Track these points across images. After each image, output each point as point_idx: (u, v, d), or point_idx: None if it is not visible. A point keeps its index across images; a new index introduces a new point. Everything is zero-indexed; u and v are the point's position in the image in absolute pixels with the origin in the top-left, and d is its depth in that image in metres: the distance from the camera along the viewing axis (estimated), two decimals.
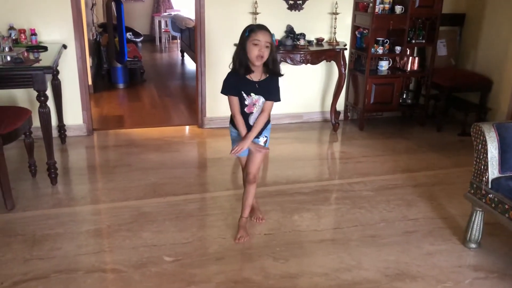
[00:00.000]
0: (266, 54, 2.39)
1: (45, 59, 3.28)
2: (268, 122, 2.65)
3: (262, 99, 2.53)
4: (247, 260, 2.52)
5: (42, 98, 3.04)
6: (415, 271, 2.45)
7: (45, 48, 3.56)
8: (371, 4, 4.37)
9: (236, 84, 2.50)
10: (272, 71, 2.50)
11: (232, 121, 2.64)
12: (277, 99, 2.59)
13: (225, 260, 2.51)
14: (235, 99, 2.53)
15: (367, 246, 2.67)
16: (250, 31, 2.40)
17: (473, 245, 2.64)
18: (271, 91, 2.55)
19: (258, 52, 2.37)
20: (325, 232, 2.83)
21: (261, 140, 2.66)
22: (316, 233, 2.82)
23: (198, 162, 4.08)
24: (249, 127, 2.58)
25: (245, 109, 2.55)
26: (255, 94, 2.51)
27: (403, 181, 3.56)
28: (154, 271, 2.39)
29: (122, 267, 2.42)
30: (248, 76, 2.49)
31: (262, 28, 2.42)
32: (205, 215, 3.02)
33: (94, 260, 2.48)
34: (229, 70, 2.53)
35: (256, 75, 2.50)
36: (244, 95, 2.51)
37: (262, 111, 2.55)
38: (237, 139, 2.63)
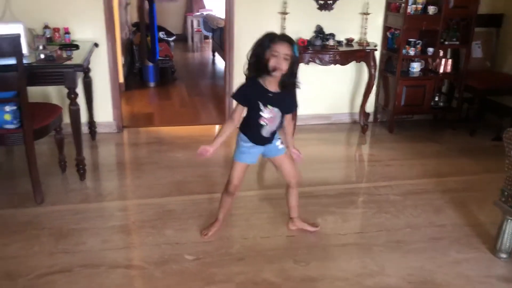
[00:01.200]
0: (284, 66, 2.26)
1: (77, 57, 3.35)
2: (280, 123, 2.52)
3: (278, 112, 2.41)
4: (268, 262, 2.51)
5: (72, 95, 3.11)
6: (441, 279, 2.38)
7: (77, 47, 3.64)
8: (403, 5, 4.27)
9: (251, 95, 2.38)
10: (286, 84, 2.35)
11: (242, 128, 2.51)
12: (294, 109, 2.56)
13: (246, 260, 2.51)
14: (241, 109, 2.44)
15: (392, 252, 2.61)
16: (271, 40, 2.27)
17: (503, 255, 2.54)
18: (288, 104, 2.45)
19: (275, 64, 2.25)
20: (348, 236, 2.79)
21: (278, 143, 2.57)
22: (340, 236, 2.78)
23: (224, 161, 4.08)
24: (261, 139, 2.47)
25: (260, 120, 2.39)
26: (272, 105, 2.37)
27: (431, 186, 3.47)
28: (175, 269, 2.41)
29: (144, 264, 2.45)
30: (264, 85, 2.36)
31: (283, 39, 2.29)
32: (228, 215, 3.01)
33: (117, 255, 2.52)
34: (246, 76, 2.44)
35: (272, 85, 2.36)
36: (261, 106, 2.37)
37: (288, 123, 2.54)
38: (247, 150, 2.52)
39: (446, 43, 4.47)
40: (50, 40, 3.76)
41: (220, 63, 8.12)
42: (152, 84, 6.36)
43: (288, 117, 2.53)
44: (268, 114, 2.38)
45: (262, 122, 2.40)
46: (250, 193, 3.31)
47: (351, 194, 3.37)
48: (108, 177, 3.54)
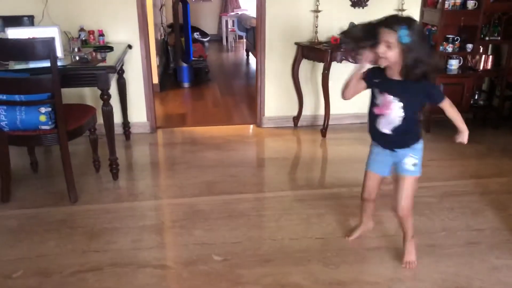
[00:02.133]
0: (389, 54, 1.98)
1: (110, 59, 3.42)
2: (416, 139, 2.25)
3: (398, 103, 2.09)
4: (296, 264, 2.47)
5: (105, 96, 3.17)
6: (477, 286, 2.28)
7: (111, 48, 3.71)
8: (440, 0, 4.13)
9: (371, 74, 2.15)
10: (406, 74, 2.03)
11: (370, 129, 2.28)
12: (440, 99, 2.15)
13: (274, 262, 2.48)
14: (357, 82, 2.20)
15: (425, 256, 2.52)
16: (379, 27, 2.00)
17: None
18: (415, 94, 2.09)
19: (379, 51, 2.00)
20: (380, 239, 2.71)
21: (408, 163, 2.23)
22: (371, 239, 2.70)
23: (254, 161, 4.07)
24: (380, 136, 2.22)
25: (375, 109, 2.17)
26: (390, 94, 2.10)
27: (470, 188, 3.33)
28: (203, 269, 2.41)
29: (172, 264, 2.46)
30: (385, 70, 2.10)
31: (385, 24, 2.00)
32: (257, 215, 2.99)
33: (146, 255, 2.54)
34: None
35: (395, 74, 2.08)
36: (377, 92, 2.14)
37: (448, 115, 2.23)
38: (373, 156, 2.36)
39: (487, 38, 4.29)
40: (85, 43, 3.86)
41: (253, 63, 8.11)
42: (186, 85, 6.42)
43: (445, 107, 2.19)
44: (383, 103, 2.13)
45: (376, 111, 2.17)
46: (281, 194, 3.28)
47: (385, 196, 3.23)
48: (140, 177, 3.59)
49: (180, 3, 6.35)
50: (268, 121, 4.64)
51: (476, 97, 4.54)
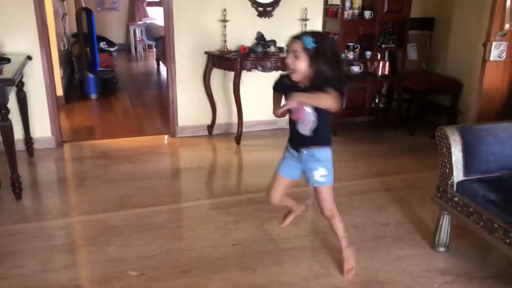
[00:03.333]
0: (296, 64, 2.07)
1: (7, 71, 3.20)
2: (326, 142, 2.30)
3: (308, 108, 2.16)
4: (215, 272, 2.47)
5: (4, 111, 2.96)
6: (384, 277, 2.43)
7: (8, 60, 3.47)
8: (340, 10, 4.38)
9: (281, 86, 2.25)
10: (314, 81, 2.09)
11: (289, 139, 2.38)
12: (328, 86, 2.06)
13: (192, 272, 2.46)
14: (276, 95, 2.30)
15: (337, 253, 2.63)
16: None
17: (441, 249, 2.64)
18: (320, 86, 2.07)
19: (287, 61, 2.12)
20: (295, 240, 2.80)
21: (316, 175, 2.31)
22: (287, 241, 2.79)
23: (169, 172, 4.01)
24: (295, 137, 2.31)
25: (292, 115, 2.25)
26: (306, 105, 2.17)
27: (375, 186, 3.56)
28: (119, 286, 2.33)
29: (86, 284, 2.36)
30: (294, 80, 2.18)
31: (294, 35, 2.13)
32: (174, 227, 2.96)
33: (57, 277, 2.41)
34: None
35: (304, 81, 2.15)
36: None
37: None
38: (288, 157, 2.40)
39: (383, 46, 4.62)
40: None
41: (164, 72, 8.01)
42: (93, 96, 6.18)
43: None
44: (295, 108, 2.18)
45: (293, 117, 2.24)
46: (197, 203, 3.27)
47: (297, 197, 3.35)
48: (47, 195, 3.39)
49: (84, 11, 6.11)
50: (182, 131, 4.61)
51: (376, 101, 4.86)
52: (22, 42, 3.90)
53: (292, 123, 2.27)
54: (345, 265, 2.44)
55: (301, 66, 2.07)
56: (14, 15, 3.84)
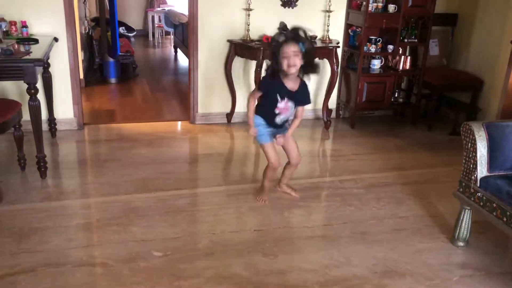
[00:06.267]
0: (297, 61, 2.65)
1: (36, 51, 3.25)
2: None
3: (292, 105, 2.83)
4: (237, 256, 2.52)
5: (32, 91, 3.01)
6: (404, 268, 2.46)
7: (36, 41, 3.53)
8: (364, 3, 4.37)
9: (271, 87, 2.79)
10: (308, 71, 2.76)
11: (258, 110, 2.89)
12: (308, 102, 2.91)
13: (214, 255, 2.51)
14: (259, 94, 2.88)
15: (357, 243, 2.68)
16: (279, 47, 2.66)
17: (461, 243, 2.66)
18: (303, 99, 2.87)
19: (287, 63, 2.64)
20: (315, 229, 2.84)
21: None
22: (306, 229, 2.82)
23: (189, 157, 4.07)
24: (275, 126, 2.90)
25: (276, 110, 2.82)
26: (289, 99, 2.80)
27: (393, 179, 3.57)
28: (143, 266, 2.38)
29: (111, 262, 2.41)
30: (284, 82, 2.76)
31: (288, 40, 2.66)
32: (195, 211, 3.01)
33: (82, 254, 2.47)
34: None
35: (290, 83, 2.78)
36: (279, 97, 2.78)
37: (296, 116, 2.91)
38: (265, 131, 2.90)
39: (406, 40, 4.61)
40: (6, 34, 3.63)
41: (182, 59, 8.05)
42: (113, 80, 6.24)
43: (300, 110, 2.90)
44: (284, 106, 2.82)
45: (276, 111, 2.83)
46: (217, 189, 3.31)
47: (316, 188, 3.43)
48: (70, 175, 3.45)
49: None
50: (201, 118, 4.65)
51: (396, 95, 4.86)
52: (49, 23, 3.95)
53: (272, 113, 2.85)
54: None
55: (299, 62, 2.67)
56: None
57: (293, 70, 2.68)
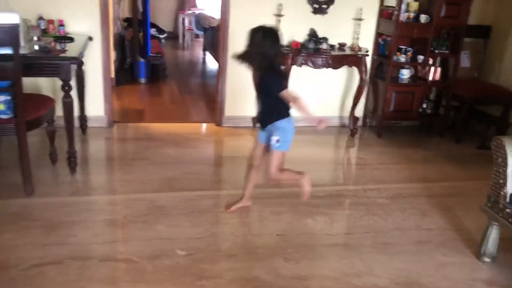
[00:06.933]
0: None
1: (71, 50, 3.34)
2: (278, 119, 2.72)
3: (258, 92, 2.78)
4: (259, 259, 2.54)
5: (67, 88, 3.10)
6: (426, 281, 2.44)
7: (71, 39, 3.63)
8: (395, 12, 4.35)
9: None
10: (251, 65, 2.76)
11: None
12: (275, 90, 2.64)
13: (237, 257, 2.54)
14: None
15: (379, 253, 2.67)
16: (279, 39, 2.68)
17: (487, 259, 2.61)
18: (263, 87, 2.72)
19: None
20: (337, 237, 2.84)
21: (273, 139, 2.72)
22: (329, 237, 2.82)
23: (214, 159, 4.11)
24: (260, 118, 2.89)
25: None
26: (254, 85, 2.81)
27: (418, 191, 3.54)
28: (167, 264, 2.42)
29: (136, 258, 2.46)
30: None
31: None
32: (219, 212, 3.04)
33: (108, 249, 2.53)
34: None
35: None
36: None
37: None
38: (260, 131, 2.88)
39: (436, 51, 4.56)
40: (44, 32, 3.74)
41: (210, 62, 8.12)
42: (142, 80, 6.34)
43: (284, 97, 2.64)
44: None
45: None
46: (240, 192, 3.31)
47: (340, 196, 3.42)
48: (98, 171, 3.54)
49: None
50: (227, 120, 4.69)
51: (424, 106, 4.81)
52: (85, 23, 4.05)
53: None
54: (303, 190, 2.84)
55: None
56: None
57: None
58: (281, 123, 2.72)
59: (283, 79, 2.70)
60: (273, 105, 2.70)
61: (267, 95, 2.70)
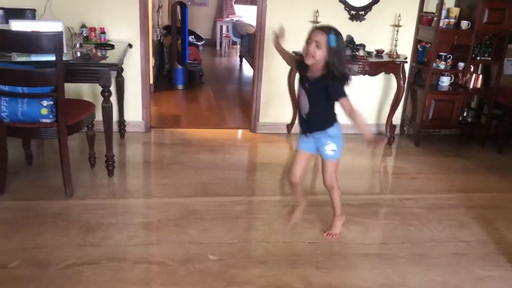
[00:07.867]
0: (317, 53, 2.37)
1: (111, 56, 3.45)
2: (331, 126, 2.61)
3: (305, 96, 2.54)
4: (290, 266, 2.52)
5: (106, 93, 3.20)
6: None
7: (112, 46, 3.74)
8: (435, 18, 4.26)
9: (300, 66, 2.56)
10: (330, 72, 2.41)
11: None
12: (334, 97, 2.47)
13: (268, 264, 2.53)
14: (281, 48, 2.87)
15: (414, 265, 2.60)
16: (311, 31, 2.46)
17: None
18: (316, 91, 2.49)
19: (306, 49, 2.41)
20: (371, 246, 2.79)
21: (328, 148, 2.64)
22: (362, 246, 2.78)
23: (248, 165, 4.13)
24: (299, 117, 2.69)
25: (298, 97, 2.68)
26: (303, 88, 2.57)
27: (457, 201, 3.43)
28: (198, 268, 2.45)
29: (168, 261, 2.50)
30: (307, 70, 2.52)
31: (318, 27, 2.47)
32: (252, 218, 3.05)
33: (142, 251, 2.58)
34: None
35: (312, 72, 2.49)
36: (299, 85, 2.61)
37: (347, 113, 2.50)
38: (301, 139, 2.73)
39: (478, 58, 4.43)
40: (86, 39, 3.88)
41: (247, 69, 8.19)
42: (180, 87, 6.46)
43: (343, 104, 2.46)
44: (299, 92, 2.64)
45: (298, 99, 2.66)
46: (273, 198, 3.34)
47: (375, 205, 3.36)
48: (135, 175, 3.62)
49: (178, 5, 6.40)
50: (262, 127, 4.71)
51: (464, 114, 4.67)
52: (125, 30, 4.18)
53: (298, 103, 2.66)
54: (333, 229, 2.82)
55: (319, 56, 2.38)
56: (120, 5, 4.12)
57: (308, 60, 2.42)
58: (334, 131, 2.62)
59: (345, 84, 2.47)
60: (326, 111, 2.58)
61: (323, 99, 2.50)
